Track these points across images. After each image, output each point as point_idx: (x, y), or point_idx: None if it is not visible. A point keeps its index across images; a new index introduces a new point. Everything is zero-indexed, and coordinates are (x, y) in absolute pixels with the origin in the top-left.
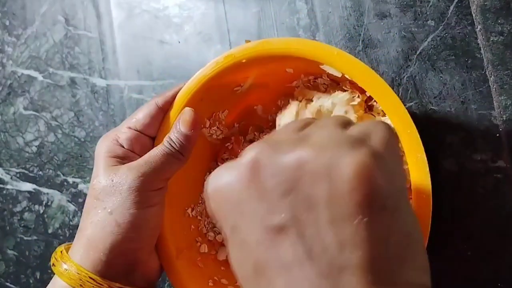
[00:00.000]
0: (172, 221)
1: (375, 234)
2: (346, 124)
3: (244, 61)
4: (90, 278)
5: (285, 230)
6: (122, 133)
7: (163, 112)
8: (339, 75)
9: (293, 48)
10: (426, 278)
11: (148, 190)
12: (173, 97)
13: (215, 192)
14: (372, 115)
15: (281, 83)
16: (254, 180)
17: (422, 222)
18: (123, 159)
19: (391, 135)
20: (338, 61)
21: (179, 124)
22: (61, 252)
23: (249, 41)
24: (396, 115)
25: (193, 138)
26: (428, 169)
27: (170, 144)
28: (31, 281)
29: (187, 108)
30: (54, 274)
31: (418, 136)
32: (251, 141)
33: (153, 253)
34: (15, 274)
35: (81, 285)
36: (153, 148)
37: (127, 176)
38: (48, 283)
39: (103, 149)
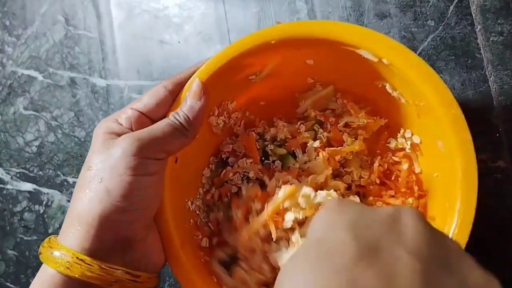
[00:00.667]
0: (175, 212)
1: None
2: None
3: (273, 42)
4: (78, 258)
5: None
6: (123, 113)
7: (171, 96)
8: (376, 59)
9: (328, 29)
10: None
11: (144, 157)
12: (184, 81)
13: (338, 211)
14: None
15: (298, 77)
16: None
17: (469, 206)
18: (120, 135)
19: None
20: (376, 44)
21: (187, 96)
22: (49, 239)
23: (280, 22)
24: (439, 96)
25: (200, 111)
26: (474, 151)
27: (175, 117)
28: (31, 281)
29: (196, 80)
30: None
31: (463, 117)
32: (260, 134)
33: (153, 231)
34: (15, 274)
35: (68, 268)
36: None
37: (122, 142)
38: None
39: (101, 127)
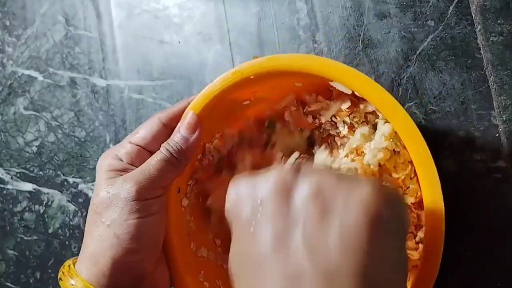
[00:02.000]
0: (179, 237)
1: (372, 257)
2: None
3: (252, 77)
4: None
5: (298, 225)
6: (123, 147)
7: (166, 129)
8: (349, 92)
9: (301, 65)
10: None
11: (145, 199)
12: (178, 114)
13: (241, 188)
14: None
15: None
16: (283, 186)
17: (437, 231)
18: (121, 171)
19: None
20: (346, 78)
21: (180, 127)
22: (68, 266)
23: (257, 57)
24: (407, 134)
25: (193, 144)
26: (440, 187)
27: (167, 149)
28: (31, 281)
29: (190, 112)
30: (54, 275)
31: (432, 160)
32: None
33: (161, 264)
34: (15, 274)
35: None
36: None
37: (122, 186)
38: (48, 283)
39: (103, 164)
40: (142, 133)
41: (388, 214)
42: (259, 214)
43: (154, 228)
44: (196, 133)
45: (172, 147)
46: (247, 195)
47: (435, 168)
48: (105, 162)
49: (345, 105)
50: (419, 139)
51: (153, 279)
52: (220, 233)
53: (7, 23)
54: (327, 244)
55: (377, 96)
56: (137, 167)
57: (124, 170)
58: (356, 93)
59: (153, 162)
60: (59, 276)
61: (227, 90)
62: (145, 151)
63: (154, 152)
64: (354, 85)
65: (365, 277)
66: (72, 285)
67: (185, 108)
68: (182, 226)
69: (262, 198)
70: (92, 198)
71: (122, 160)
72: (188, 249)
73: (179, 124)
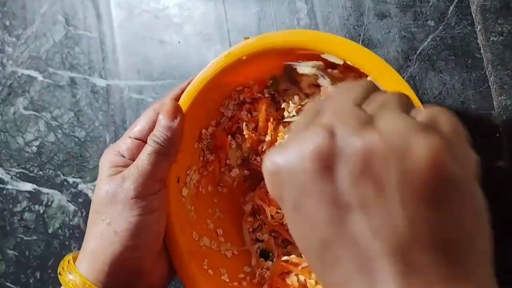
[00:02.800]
0: (181, 225)
1: (448, 216)
2: (408, 106)
3: (244, 57)
4: None
5: (353, 209)
6: (123, 143)
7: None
8: (341, 62)
9: (291, 39)
10: (490, 258)
11: (143, 196)
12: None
13: (275, 173)
14: None
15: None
16: (320, 165)
17: None
18: (123, 167)
19: (457, 122)
20: (338, 48)
21: (161, 116)
22: (68, 261)
23: (248, 37)
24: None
25: (177, 129)
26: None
27: (154, 141)
28: (31, 281)
29: (167, 100)
30: (54, 275)
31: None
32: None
33: (159, 261)
34: (15, 274)
35: None
36: None
37: (120, 185)
38: (48, 283)
39: (105, 161)
40: (139, 126)
41: (454, 166)
42: (305, 196)
43: (153, 226)
44: (178, 118)
45: (158, 137)
46: (286, 174)
47: None
48: (107, 158)
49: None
50: (416, 102)
51: (152, 276)
52: (221, 223)
53: (7, 23)
54: (392, 221)
55: (370, 63)
56: None
57: (126, 166)
58: (349, 63)
59: (143, 157)
60: (58, 270)
61: (220, 74)
62: (145, 144)
63: None
64: (346, 54)
65: (443, 244)
66: (71, 280)
67: (179, 95)
68: (183, 215)
69: (303, 177)
70: (93, 196)
71: (124, 156)
72: (191, 238)
73: (159, 114)
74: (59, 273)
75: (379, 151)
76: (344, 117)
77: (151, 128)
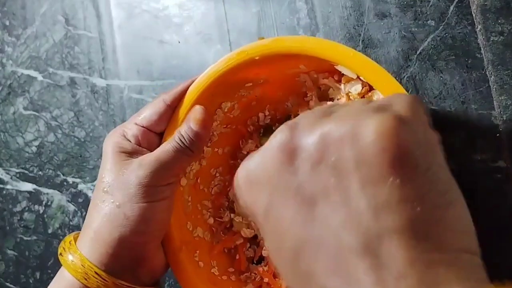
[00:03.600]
0: (176, 214)
1: (410, 195)
2: (370, 101)
3: (257, 58)
4: (96, 273)
5: (318, 201)
6: (129, 129)
7: (171, 109)
8: (354, 76)
9: (307, 47)
10: (473, 242)
11: (158, 186)
12: (181, 94)
13: (246, 176)
14: None
15: (292, 77)
16: (283, 158)
17: None
18: (131, 154)
19: (414, 99)
20: (353, 62)
21: (191, 122)
22: (70, 242)
23: (263, 38)
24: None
25: (204, 136)
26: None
27: (181, 140)
28: (31, 281)
29: (197, 106)
30: (54, 275)
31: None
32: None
33: (160, 249)
34: (15, 274)
35: (85, 279)
36: (160, 144)
37: (137, 171)
38: (48, 284)
39: (111, 143)
40: (147, 114)
41: (409, 142)
42: (273, 195)
43: (163, 213)
44: (206, 127)
45: (185, 139)
46: (255, 175)
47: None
48: (113, 141)
49: (355, 89)
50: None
51: (153, 262)
52: (215, 213)
53: (7, 23)
54: (355, 209)
55: (383, 83)
56: (144, 148)
57: (134, 152)
58: (362, 78)
59: (168, 150)
60: (59, 251)
61: (231, 71)
62: (151, 132)
63: (159, 133)
64: (359, 69)
65: (412, 230)
66: (72, 261)
67: (187, 88)
68: (180, 205)
69: (270, 173)
70: (101, 176)
71: (130, 141)
72: (185, 228)
73: (189, 115)
74: (60, 253)
75: (332, 137)
76: (308, 114)
77: (160, 118)
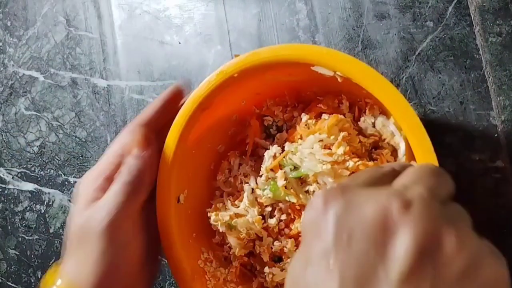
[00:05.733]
0: (184, 246)
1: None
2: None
3: (235, 75)
4: None
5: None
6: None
7: (150, 132)
8: (331, 74)
9: (280, 54)
10: None
11: (116, 231)
12: (156, 113)
13: (345, 207)
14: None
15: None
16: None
17: None
18: (102, 191)
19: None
20: (328, 59)
21: (132, 149)
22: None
23: (238, 55)
24: (398, 110)
25: (149, 160)
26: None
27: (125, 175)
28: (32, 280)
29: (137, 127)
30: None
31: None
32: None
33: (143, 271)
34: (17, 273)
35: None
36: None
37: (93, 220)
38: None
39: (83, 185)
40: (126, 142)
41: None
42: (344, 248)
43: (129, 258)
44: (149, 149)
45: (128, 173)
46: (336, 214)
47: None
48: (85, 182)
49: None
50: (407, 108)
51: (138, 285)
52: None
53: (9, 24)
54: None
55: (363, 75)
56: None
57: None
58: (339, 73)
59: (115, 191)
60: (44, 281)
61: (213, 93)
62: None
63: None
64: (335, 65)
65: None
66: None
67: (159, 107)
68: (185, 236)
69: (353, 229)
70: (70, 221)
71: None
72: (194, 258)
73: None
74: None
75: (453, 244)
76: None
77: (140, 144)
